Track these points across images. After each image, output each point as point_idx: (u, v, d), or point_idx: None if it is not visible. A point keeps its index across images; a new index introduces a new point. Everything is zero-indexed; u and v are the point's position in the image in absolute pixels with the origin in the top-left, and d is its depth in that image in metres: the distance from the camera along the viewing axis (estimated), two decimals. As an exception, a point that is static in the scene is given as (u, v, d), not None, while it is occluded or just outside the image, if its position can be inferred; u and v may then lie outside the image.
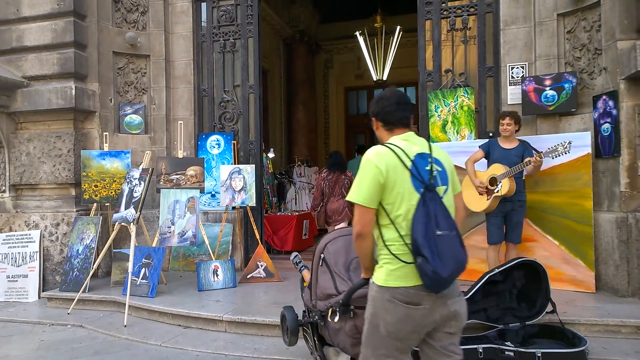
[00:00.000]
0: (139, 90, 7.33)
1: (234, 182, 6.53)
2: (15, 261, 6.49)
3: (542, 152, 4.84)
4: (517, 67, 6.06)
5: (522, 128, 5.90)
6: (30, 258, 6.48)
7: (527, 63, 6.03)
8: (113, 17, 7.13)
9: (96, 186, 6.43)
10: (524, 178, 5.34)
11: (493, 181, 5.03)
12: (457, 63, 6.50)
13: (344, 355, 3.21)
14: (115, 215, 5.87)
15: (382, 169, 2.29)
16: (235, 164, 6.92)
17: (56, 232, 6.58)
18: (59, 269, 6.45)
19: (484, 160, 5.27)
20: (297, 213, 9.17)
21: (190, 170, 6.32)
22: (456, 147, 5.98)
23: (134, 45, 7.15)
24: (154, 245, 6.04)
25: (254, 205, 6.66)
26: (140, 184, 5.86)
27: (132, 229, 5.64)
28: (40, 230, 6.58)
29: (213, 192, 7.18)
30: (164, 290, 5.87)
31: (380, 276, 2.36)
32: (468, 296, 4.27)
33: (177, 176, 6.28)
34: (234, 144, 7.09)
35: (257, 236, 6.61)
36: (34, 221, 6.65)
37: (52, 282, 6.51)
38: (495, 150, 5.17)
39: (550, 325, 4.25)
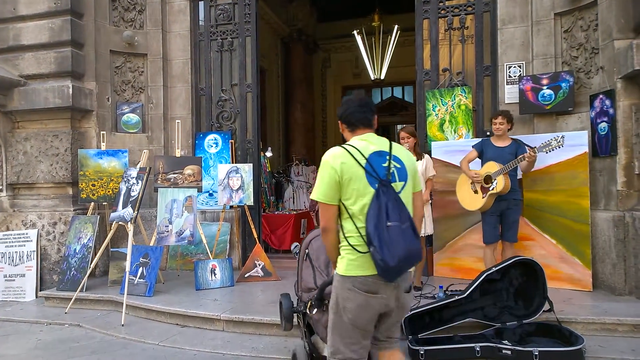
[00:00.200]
0: (136, 89, 7.32)
1: (231, 181, 6.53)
2: (13, 260, 6.47)
3: (535, 147, 4.85)
4: (515, 67, 6.07)
5: (519, 127, 5.94)
6: (27, 257, 6.46)
7: (524, 62, 6.03)
8: (110, 15, 7.12)
9: (93, 185, 6.43)
10: (520, 177, 5.37)
11: (488, 179, 5.03)
12: (455, 62, 6.51)
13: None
14: (112, 215, 5.86)
15: (336, 168, 2.48)
16: (232, 163, 6.92)
17: (53, 232, 6.57)
18: (57, 268, 6.44)
19: (478, 160, 5.28)
20: (294, 212, 9.17)
21: (188, 169, 6.32)
22: (454, 146, 6.00)
23: (132, 44, 7.14)
24: (151, 244, 6.04)
25: (252, 204, 6.66)
26: (137, 183, 5.86)
27: (130, 228, 5.63)
28: (37, 229, 6.57)
29: (211, 191, 7.18)
30: (161, 289, 5.87)
31: (342, 266, 2.53)
32: (465, 295, 4.28)
33: (175, 175, 6.28)
34: (231, 143, 7.09)
35: (255, 235, 6.61)
36: (31, 220, 6.64)
37: (50, 281, 6.50)
38: (488, 149, 5.18)
39: (547, 323, 4.25)
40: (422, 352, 3.91)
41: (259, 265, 6.33)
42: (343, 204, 2.51)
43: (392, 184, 2.49)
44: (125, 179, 5.98)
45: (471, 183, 5.24)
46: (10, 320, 5.55)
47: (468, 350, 3.95)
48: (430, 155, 5.88)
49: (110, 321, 5.30)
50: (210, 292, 5.76)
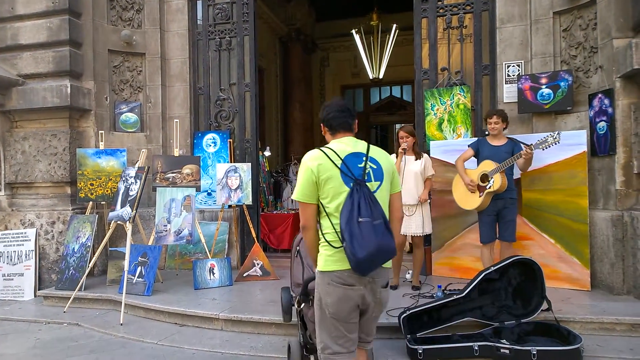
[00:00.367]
0: (134, 88, 7.31)
1: (230, 180, 6.53)
2: (11, 259, 6.47)
3: (532, 144, 4.85)
4: (513, 66, 6.07)
5: (518, 127, 5.95)
6: (26, 256, 6.46)
7: (523, 61, 6.03)
8: (108, 15, 7.11)
9: (92, 184, 6.42)
10: (519, 176, 5.37)
11: (484, 178, 5.03)
12: (453, 61, 6.51)
13: None
14: (111, 214, 5.86)
15: (314, 169, 2.62)
16: (231, 162, 6.92)
17: (52, 231, 6.56)
18: (55, 267, 6.44)
19: (474, 159, 5.28)
20: (293, 211, 9.15)
21: (187, 169, 6.31)
22: (452, 146, 6.00)
23: (130, 43, 7.13)
24: (150, 243, 6.03)
25: (250, 203, 6.66)
26: (136, 182, 5.85)
27: (128, 227, 5.62)
28: (35, 228, 6.56)
29: (209, 191, 7.18)
30: (160, 288, 5.86)
31: (320, 263, 2.67)
32: (464, 294, 4.28)
33: (173, 174, 6.27)
34: (230, 142, 7.09)
35: (254, 234, 6.61)
36: (29, 220, 6.63)
37: (48, 280, 6.49)
38: (484, 148, 5.18)
39: (545, 323, 4.25)
40: (420, 351, 3.91)
41: (258, 264, 6.33)
42: (321, 202, 2.65)
43: (368, 184, 2.61)
44: (123, 179, 5.97)
45: None
46: (9, 320, 5.55)
47: (466, 349, 3.95)
48: (428, 154, 5.88)
49: (109, 320, 5.29)
50: (208, 291, 5.76)
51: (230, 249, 6.98)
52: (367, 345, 2.90)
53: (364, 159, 2.68)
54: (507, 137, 5.19)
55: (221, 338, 4.65)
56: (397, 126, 15.09)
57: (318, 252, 2.72)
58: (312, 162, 2.65)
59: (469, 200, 5.22)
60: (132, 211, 5.65)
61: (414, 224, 5.44)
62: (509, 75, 6.07)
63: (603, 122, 5.24)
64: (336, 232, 2.58)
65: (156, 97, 7.32)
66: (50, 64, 6.60)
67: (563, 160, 5.34)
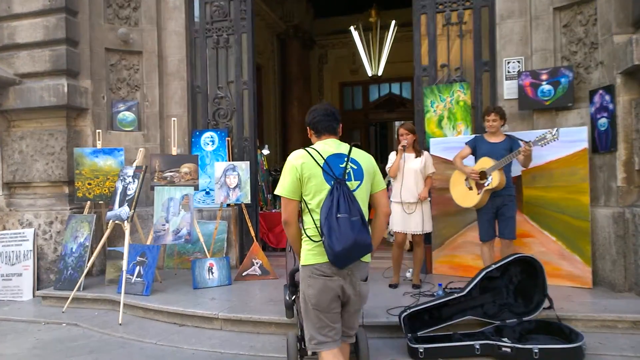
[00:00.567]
0: (131, 87, 7.27)
1: (228, 179, 6.50)
2: (9, 260, 6.44)
3: (530, 141, 4.82)
4: (513, 62, 6.03)
5: (519, 123, 5.93)
6: (24, 256, 6.43)
7: (523, 57, 6.00)
8: (105, 13, 7.07)
9: (90, 184, 6.39)
10: (520, 173, 5.35)
11: (483, 175, 5.00)
12: (453, 58, 6.47)
13: None
14: (109, 213, 5.82)
15: (297, 167, 2.81)
16: (229, 160, 6.88)
17: (50, 231, 6.53)
18: (53, 267, 6.41)
19: (471, 157, 5.25)
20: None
21: (185, 168, 6.28)
22: (452, 143, 5.95)
23: (126, 42, 7.09)
24: (148, 243, 6.00)
25: (249, 202, 6.63)
26: (134, 181, 5.82)
27: (126, 227, 5.59)
28: (34, 228, 6.53)
29: (207, 190, 7.14)
30: (158, 288, 5.84)
31: (302, 257, 2.87)
32: (465, 292, 4.26)
33: (171, 173, 6.24)
34: (228, 140, 7.05)
35: (252, 233, 6.58)
36: (27, 219, 6.60)
37: (47, 280, 6.47)
38: (482, 145, 5.15)
39: (547, 321, 4.23)
40: (421, 350, 3.89)
41: (257, 263, 6.30)
42: (304, 199, 2.83)
43: (348, 183, 2.79)
44: (121, 178, 5.93)
45: (465, 179, 5.21)
46: (7, 320, 5.52)
47: (468, 348, 3.93)
48: (429, 152, 5.85)
49: (108, 320, 5.27)
50: (207, 290, 5.73)
51: (229, 248, 6.95)
52: (350, 339, 3.07)
53: (346, 159, 2.85)
54: (505, 134, 5.16)
55: (220, 337, 4.63)
56: (397, 124, 15.12)
57: (301, 245, 2.90)
58: (296, 160, 2.83)
59: (467, 198, 5.19)
60: (130, 210, 5.62)
61: (414, 222, 5.41)
62: (509, 72, 6.04)
63: (604, 118, 5.21)
64: (317, 227, 2.75)
65: (153, 96, 7.28)
66: (47, 62, 6.56)
67: (564, 157, 5.31)
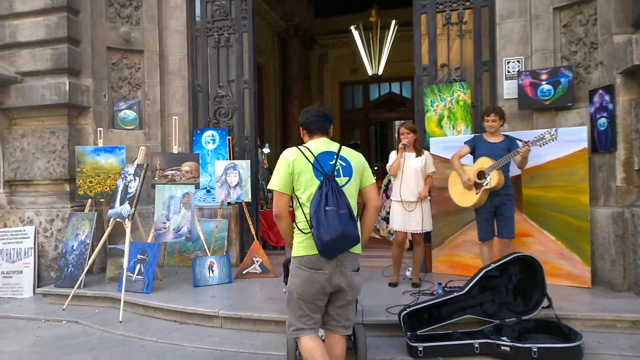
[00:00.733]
0: (133, 85, 7.29)
1: (229, 177, 6.51)
2: (10, 257, 6.46)
3: (528, 141, 4.83)
4: (513, 62, 6.05)
5: (518, 123, 5.94)
6: (25, 254, 6.45)
7: (523, 57, 6.01)
8: (106, 12, 7.08)
9: (91, 182, 6.40)
10: (520, 173, 5.36)
11: (481, 174, 5.01)
12: (453, 57, 6.48)
13: None
14: (110, 211, 5.84)
15: (289, 163, 2.99)
16: (230, 159, 6.89)
17: (51, 228, 6.54)
18: (54, 265, 6.42)
19: (470, 156, 5.26)
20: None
21: (185, 166, 6.29)
22: (452, 142, 5.97)
23: (128, 41, 7.10)
24: (149, 241, 6.02)
25: (250, 200, 6.65)
26: (135, 179, 5.83)
27: (127, 224, 5.61)
28: (34, 226, 6.54)
29: (208, 188, 7.16)
30: (159, 286, 5.85)
31: (293, 249, 3.03)
32: (464, 291, 4.27)
33: (172, 172, 6.25)
34: (229, 139, 7.06)
35: (253, 232, 6.60)
36: (28, 217, 6.61)
37: (47, 278, 6.48)
38: (481, 145, 5.16)
39: (546, 320, 4.24)
40: (420, 349, 3.90)
41: (257, 262, 6.32)
42: (295, 194, 3.01)
43: (337, 179, 2.96)
44: (122, 176, 5.95)
45: None
46: (8, 317, 5.54)
47: (467, 346, 3.94)
48: (428, 151, 5.86)
49: (108, 318, 5.28)
50: (208, 288, 5.75)
51: (229, 246, 6.97)
52: (346, 331, 3.15)
53: (335, 157, 3.03)
54: (504, 134, 5.17)
55: (221, 335, 4.64)
56: (397, 123, 15.14)
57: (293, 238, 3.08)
58: (288, 157, 3.02)
59: (465, 198, 5.20)
60: (131, 208, 5.63)
61: (414, 221, 5.42)
62: (509, 72, 6.05)
63: (604, 118, 5.23)
64: (307, 220, 2.92)
65: (155, 94, 7.29)
66: (48, 61, 6.57)
67: (563, 157, 5.32)
